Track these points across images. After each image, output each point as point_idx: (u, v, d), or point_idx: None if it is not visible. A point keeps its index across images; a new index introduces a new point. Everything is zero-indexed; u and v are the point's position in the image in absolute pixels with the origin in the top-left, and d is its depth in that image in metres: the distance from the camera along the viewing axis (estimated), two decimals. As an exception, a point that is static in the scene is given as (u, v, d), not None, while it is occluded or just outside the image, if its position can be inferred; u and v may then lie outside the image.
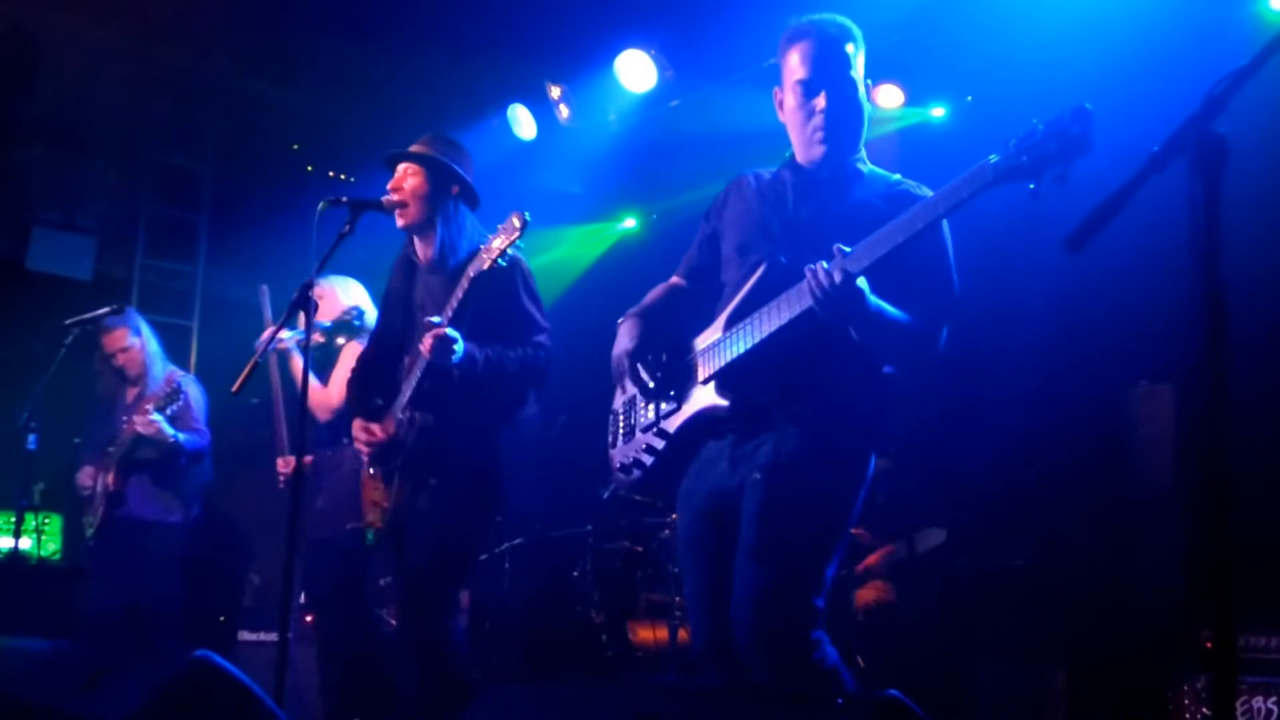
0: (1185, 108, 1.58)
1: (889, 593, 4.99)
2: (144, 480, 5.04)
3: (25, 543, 5.57)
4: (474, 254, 3.38)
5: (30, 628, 5.11)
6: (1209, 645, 3.61)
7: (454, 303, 3.36)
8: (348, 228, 3.31)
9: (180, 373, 5.03)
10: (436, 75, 6.58)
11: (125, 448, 4.99)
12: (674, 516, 5.31)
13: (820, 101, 2.55)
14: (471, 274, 3.33)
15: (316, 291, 4.69)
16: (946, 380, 4.33)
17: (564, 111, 6.43)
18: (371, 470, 3.59)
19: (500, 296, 3.44)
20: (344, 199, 3.35)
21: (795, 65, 2.59)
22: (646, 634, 5.32)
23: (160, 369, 5.20)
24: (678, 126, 6.17)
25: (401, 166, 3.58)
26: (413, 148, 3.59)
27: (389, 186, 3.55)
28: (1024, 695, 4.33)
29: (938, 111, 5.75)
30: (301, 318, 3.23)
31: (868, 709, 1.49)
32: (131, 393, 5.18)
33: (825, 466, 2.42)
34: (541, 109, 6.51)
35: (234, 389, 3.22)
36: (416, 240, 3.62)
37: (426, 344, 3.27)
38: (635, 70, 5.94)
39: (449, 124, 5.76)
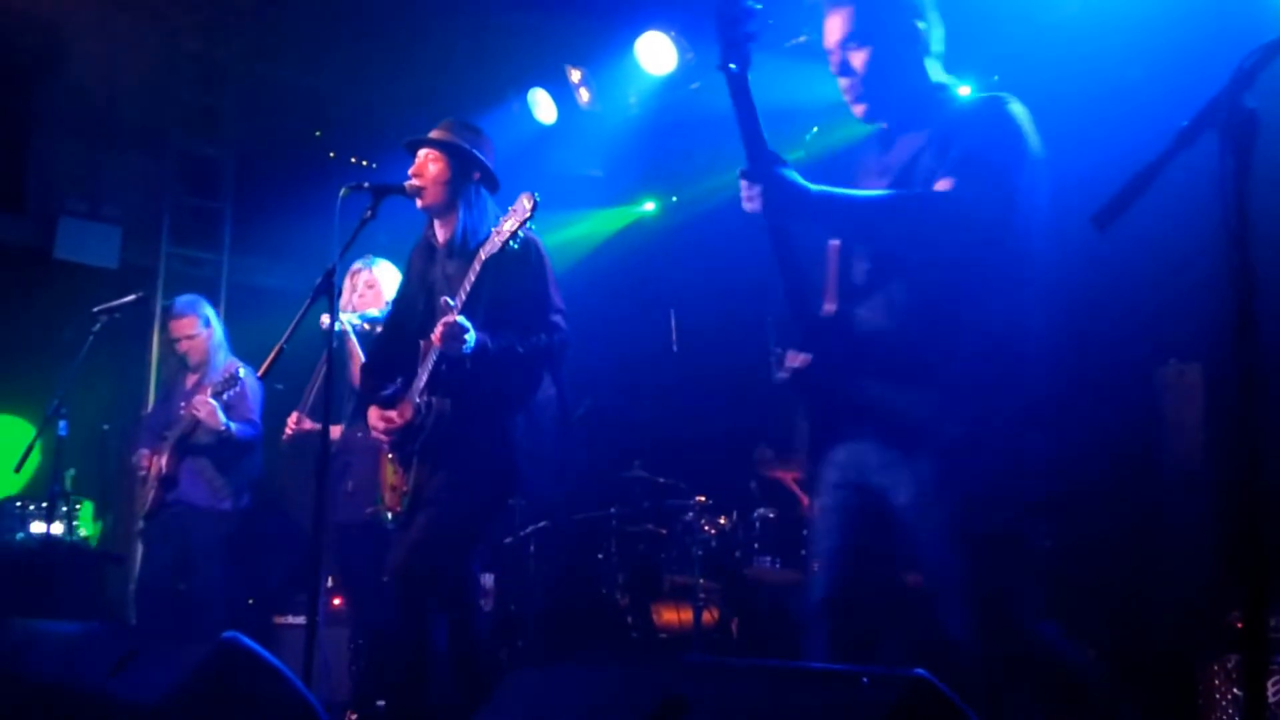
0: (1214, 85, 1.55)
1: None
2: (197, 466, 5.10)
3: (57, 528, 5.65)
4: (487, 237, 3.39)
5: (63, 611, 5.19)
6: (1239, 625, 3.58)
7: (466, 286, 3.36)
8: (370, 213, 3.32)
9: (240, 364, 5.08)
10: (456, 60, 6.58)
11: (181, 432, 5.05)
12: (698, 499, 5.32)
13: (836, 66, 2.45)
14: (484, 256, 3.33)
15: (368, 280, 4.73)
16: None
17: (584, 95, 6.41)
18: (390, 455, 3.60)
19: (515, 278, 3.43)
20: (366, 184, 3.35)
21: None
22: (671, 616, 5.33)
23: (222, 358, 5.25)
24: (699, 109, 6.13)
25: (422, 152, 3.57)
26: (433, 133, 3.58)
27: (410, 173, 3.55)
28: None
29: (964, 90, 5.67)
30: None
31: (894, 688, 1.48)
32: (191, 379, 5.26)
33: (988, 471, 2.26)
34: (561, 93, 6.49)
35: (260, 373, 3.26)
36: (436, 224, 3.62)
37: (437, 333, 3.28)
38: (656, 52, 5.90)
39: (469, 108, 5.75)
